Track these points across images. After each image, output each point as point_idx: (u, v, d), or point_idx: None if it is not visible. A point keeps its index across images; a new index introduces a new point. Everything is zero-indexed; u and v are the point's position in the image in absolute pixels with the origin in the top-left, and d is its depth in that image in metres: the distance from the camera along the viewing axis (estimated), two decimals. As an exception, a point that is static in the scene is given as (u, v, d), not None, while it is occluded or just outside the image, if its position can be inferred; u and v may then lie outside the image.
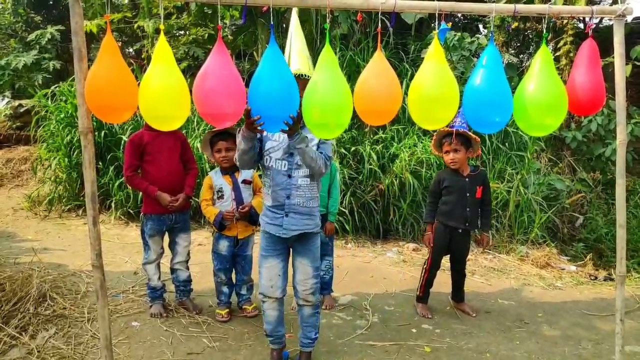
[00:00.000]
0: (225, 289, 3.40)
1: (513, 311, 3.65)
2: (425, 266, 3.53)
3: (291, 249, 2.66)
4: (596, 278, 4.59)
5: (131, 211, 5.83)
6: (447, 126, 3.25)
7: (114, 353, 2.52)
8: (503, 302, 3.83)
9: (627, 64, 5.40)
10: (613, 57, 2.31)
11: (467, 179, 3.36)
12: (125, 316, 3.31)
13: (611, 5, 6.40)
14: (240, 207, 3.23)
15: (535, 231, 5.21)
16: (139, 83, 2.05)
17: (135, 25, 7.55)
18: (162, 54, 2.01)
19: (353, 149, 5.48)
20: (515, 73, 6.51)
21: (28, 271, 3.70)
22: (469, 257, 3.76)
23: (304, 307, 2.68)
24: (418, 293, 3.58)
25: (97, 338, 2.92)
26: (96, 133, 6.00)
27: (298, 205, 2.54)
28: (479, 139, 3.32)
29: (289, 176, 2.53)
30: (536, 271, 4.61)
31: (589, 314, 3.64)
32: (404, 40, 6.42)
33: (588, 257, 5.08)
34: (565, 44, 6.53)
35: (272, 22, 2.04)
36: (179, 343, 3.00)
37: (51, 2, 9.66)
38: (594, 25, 2.23)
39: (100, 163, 6.01)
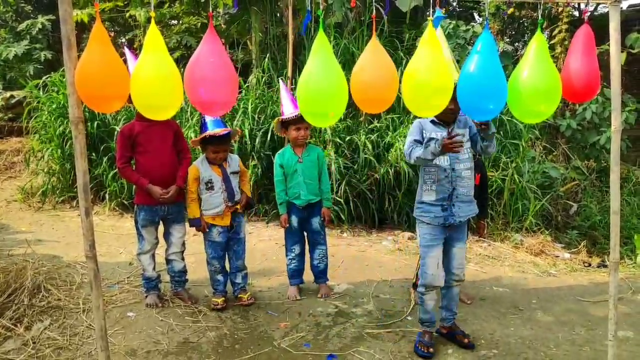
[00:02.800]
0: (220, 277, 3.39)
1: (507, 298, 3.68)
2: None
3: (447, 238, 2.84)
4: (590, 265, 4.63)
5: (125, 202, 5.80)
6: None
7: (109, 343, 2.51)
8: (497, 289, 3.85)
9: (621, 51, 5.39)
10: (608, 45, 2.30)
11: None
12: (120, 307, 3.30)
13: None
14: (239, 204, 3.33)
15: (529, 219, 5.23)
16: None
17: (127, 15, 7.45)
18: (153, 42, 1.97)
19: (348, 138, 5.47)
20: (510, 61, 6.49)
21: (22, 263, 3.68)
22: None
23: (456, 286, 2.93)
24: (415, 280, 3.59)
25: (93, 329, 2.91)
26: (89, 124, 5.95)
27: (463, 195, 2.76)
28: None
29: (453, 169, 2.72)
30: (530, 258, 4.64)
31: (583, 300, 3.67)
32: (399, 29, 6.37)
33: (582, 244, 5.12)
34: (560, 31, 6.51)
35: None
36: (175, 333, 3.00)
37: (41, -9, 9.51)
38: (589, 12, 2.20)
39: (94, 154, 5.97)
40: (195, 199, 3.27)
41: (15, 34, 8.89)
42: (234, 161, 3.36)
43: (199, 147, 3.35)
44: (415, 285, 3.59)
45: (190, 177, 3.26)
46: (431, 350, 2.82)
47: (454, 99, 2.13)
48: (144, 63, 1.97)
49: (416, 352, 2.84)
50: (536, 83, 2.03)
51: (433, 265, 2.79)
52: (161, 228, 3.40)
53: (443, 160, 2.72)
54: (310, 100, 2.07)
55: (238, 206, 3.34)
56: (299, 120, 3.28)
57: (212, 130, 3.13)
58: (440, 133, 2.71)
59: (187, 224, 3.47)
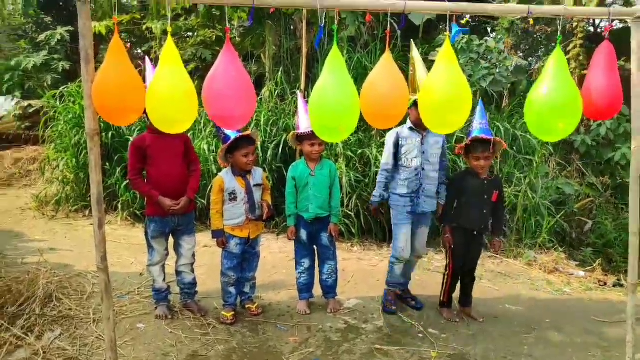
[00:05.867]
0: (232, 290, 3.39)
1: (521, 316, 3.61)
2: (447, 272, 3.51)
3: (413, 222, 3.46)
4: (605, 284, 4.54)
5: (138, 212, 5.84)
6: (468, 129, 3.28)
7: (118, 354, 2.51)
8: (511, 308, 3.79)
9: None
10: (623, 61, 2.28)
11: (485, 183, 3.36)
12: (130, 317, 3.30)
13: (623, 6, 6.33)
14: (265, 214, 3.33)
15: (543, 236, 5.15)
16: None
17: (144, 27, 7.58)
18: (170, 56, 2.00)
19: (360, 151, 5.46)
20: (525, 76, 6.46)
21: (35, 272, 3.70)
22: (476, 261, 3.73)
23: (414, 260, 3.66)
24: (442, 299, 3.56)
25: (103, 339, 2.91)
26: (103, 134, 6.02)
27: (429, 191, 3.41)
28: (505, 144, 3.35)
29: (423, 169, 3.35)
30: (544, 276, 4.57)
31: (598, 320, 3.59)
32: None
33: (597, 262, 5.02)
34: (575, 47, 6.47)
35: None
36: (184, 345, 2.99)
37: (61, 3, 9.73)
38: (609, 30, 2.18)
39: (107, 164, 6.03)
40: (220, 211, 3.28)
41: (34, 45, 9.09)
42: (257, 174, 3.37)
43: (225, 164, 3.33)
44: (443, 304, 3.55)
45: (216, 188, 3.28)
46: (394, 308, 3.52)
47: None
48: (160, 77, 2.00)
49: (384, 310, 3.51)
50: (557, 100, 2.01)
51: (403, 240, 3.40)
52: (171, 240, 3.41)
53: (415, 162, 3.34)
54: (322, 115, 2.08)
55: (264, 214, 3.33)
56: (313, 136, 3.28)
57: (236, 135, 3.16)
58: (415, 138, 3.34)
59: (196, 236, 3.48)
